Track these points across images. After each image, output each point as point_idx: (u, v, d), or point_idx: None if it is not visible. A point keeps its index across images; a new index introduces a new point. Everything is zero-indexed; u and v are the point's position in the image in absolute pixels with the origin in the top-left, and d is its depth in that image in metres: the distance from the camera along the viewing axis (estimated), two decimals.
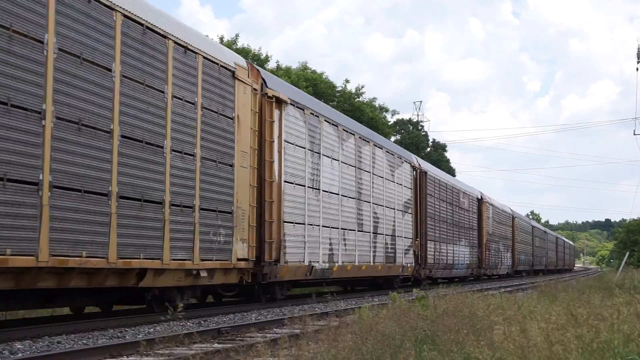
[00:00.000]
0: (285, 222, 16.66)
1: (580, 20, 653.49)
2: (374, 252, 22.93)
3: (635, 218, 77.78)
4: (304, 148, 18.00)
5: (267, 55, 43.74)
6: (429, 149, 73.03)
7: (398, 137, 69.73)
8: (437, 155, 71.37)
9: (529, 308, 10.36)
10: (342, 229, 20.20)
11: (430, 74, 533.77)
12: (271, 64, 44.30)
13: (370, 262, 22.57)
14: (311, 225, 18.17)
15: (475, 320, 8.86)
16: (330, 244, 19.41)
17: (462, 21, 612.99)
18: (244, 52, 39.82)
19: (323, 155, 19.09)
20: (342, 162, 20.49)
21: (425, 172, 29.18)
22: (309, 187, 18.17)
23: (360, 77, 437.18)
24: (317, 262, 18.40)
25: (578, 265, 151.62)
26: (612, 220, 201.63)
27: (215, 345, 9.34)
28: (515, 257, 48.70)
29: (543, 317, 8.12)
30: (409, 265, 26.36)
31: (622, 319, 7.20)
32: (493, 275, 42.72)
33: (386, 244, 24.11)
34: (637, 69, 48.76)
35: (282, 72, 42.56)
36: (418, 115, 79.52)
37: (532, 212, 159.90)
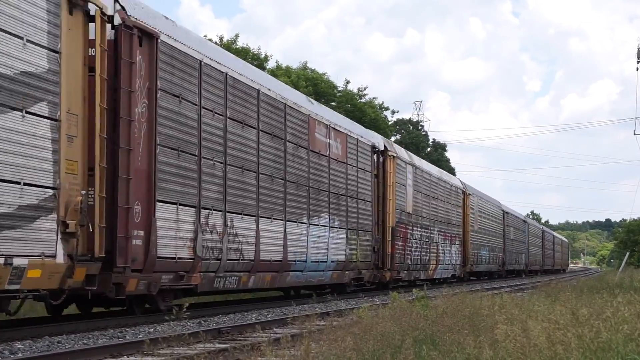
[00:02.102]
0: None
1: (580, 20, 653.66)
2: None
3: (636, 218, 77.87)
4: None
5: (266, 55, 43.75)
6: (429, 149, 73.03)
7: (398, 137, 69.77)
8: (437, 155, 71.36)
9: (530, 308, 10.36)
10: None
11: (430, 73, 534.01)
12: (271, 64, 44.34)
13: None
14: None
15: (476, 320, 8.86)
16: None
17: (462, 21, 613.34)
18: (243, 52, 39.79)
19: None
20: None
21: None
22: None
23: (360, 77, 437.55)
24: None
25: (578, 265, 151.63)
26: (613, 220, 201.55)
27: (217, 345, 9.34)
28: (466, 253, 35.60)
29: (546, 317, 8.12)
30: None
31: (623, 319, 7.20)
32: (417, 280, 28.06)
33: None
34: (637, 69, 48.68)
35: (282, 72, 42.55)
36: (418, 115, 79.63)
37: (532, 212, 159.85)
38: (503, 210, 47.72)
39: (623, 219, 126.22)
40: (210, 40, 34.88)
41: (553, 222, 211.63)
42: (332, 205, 19.58)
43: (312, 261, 18.25)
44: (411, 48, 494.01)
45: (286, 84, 25.50)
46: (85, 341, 9.80)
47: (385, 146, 24.28)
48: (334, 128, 20.20)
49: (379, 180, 23.15)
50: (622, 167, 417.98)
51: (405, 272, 25.89)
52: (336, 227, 19.83)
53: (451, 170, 67.67)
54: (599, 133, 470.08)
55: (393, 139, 60.75)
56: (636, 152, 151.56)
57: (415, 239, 26.99)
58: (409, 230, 26.19)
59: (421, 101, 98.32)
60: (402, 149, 28.34)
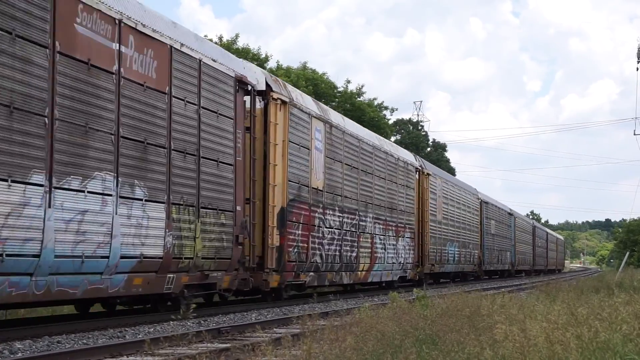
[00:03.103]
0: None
1: (580, 20, 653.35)
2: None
3: (636, 218, 77.81)
4: None
5: (266, 55, 43.75)
6: (429, 149, 73.03)
7: (398, 137, 69.80)
8: (437, 155, 71.33)
9: (530, 307, 10.37)
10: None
11: (430, 73, 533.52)
12: (271, 64, 44.34)
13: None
14: None
15: (476, 320, 8.87)
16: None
17: (462, 21, 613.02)
18: (243, 52, 39.80)
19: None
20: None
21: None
22: None
23: (360, 76, 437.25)
24: None
25: (578, 265, 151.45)
26: (612, 220, 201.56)
27: (217, 344, 9.35)
28: (424, 249, 27.69)
29: (545, 317, 8.13)
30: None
31: (622, 319, 7.21)
32: (338, 285, 21.93)
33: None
34: (637, 69, 48.68)
35: (283, 72, 42.55)
36: (418, 115, 79.60)
37: (532, 212, 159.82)
38: (481, 200, 39.01)
39: (623, 218, 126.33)
40: (211, 40, 34.84)
41: (553, 222, 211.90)
42: (126, 160, 11.35)
43: (57, 257, 9.77)
44: (411, 48, 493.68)
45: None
46: (85, 341, 9.80)
47: (269, 84, 16.45)
48: (133, 28, 11.59)
49: (254, 135, 15.64)
50: (622, 167, 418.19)
51: (311, 274, 18.34)
52: (137, 199, 11.62)
53: (451, 170, 67.68)
54: (599, 133, 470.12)
55: (393, 139, 60.75)
56: (636, 152, 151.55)
57: (330, 227, 19.57)
58: (316, 214, 18.66)
59: (421, 101, 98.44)
60: (310, 98, 20.32)
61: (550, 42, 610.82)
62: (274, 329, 11.60)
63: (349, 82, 53.84)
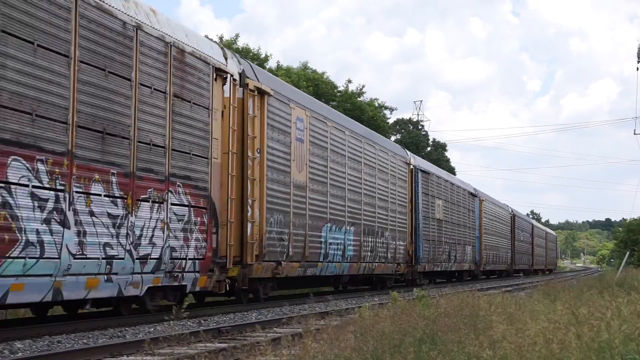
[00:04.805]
0: None
1: (580, 20, 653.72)
2: None
3: (636, 217, 77.74)
4: None
5: (266, 55, 43.74)
6: (429, 149, 73.03)
7: (398, 136, 69.83)
8: (437, 154, 71.34)
9: (530, 307, 10.36)
10: None
11: (430, 73, 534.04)
12: (271, 63, 44.32)
13: None
14: None
15: (476, 320, 8.85)
16: None
17: (462, 21, 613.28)
18: (243, 52, 39.79)
19: None
20: None
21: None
22: None
23: (360, 76, 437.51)
24: None
25: (578, 265, 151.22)
26: (613, 220, 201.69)
27: (217, 344, 9.33)
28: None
29: (547, 316, 8.12)
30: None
31: (623, 319, 7.20)
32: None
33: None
34: (638, 69, 48.71)
35: (283, 72, 42.55)
36: (418, 114, 79.59)
37: (532, 212, 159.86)
38: (410, 165, 26.37)
39: (623, 218, 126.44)
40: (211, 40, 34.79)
41: (553, 221, 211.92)
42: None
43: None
44: (411, 48, 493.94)
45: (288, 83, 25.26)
46: (85, 341, 9.79)
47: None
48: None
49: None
50: (623, 166, 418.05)
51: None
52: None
53: (451, 170, 67.65)
54: (599, 133, 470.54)
55: (393, 138, 60.76)
56: (636, 152, 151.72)
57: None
58: None
59: (421, 101, 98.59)
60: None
61: (550, 41, 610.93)
62: (274, 329, 11.59)
63: (349, 81, 53.96)
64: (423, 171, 27.62)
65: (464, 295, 12.33)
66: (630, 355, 6.15)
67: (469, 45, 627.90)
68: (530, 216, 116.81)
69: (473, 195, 36.39)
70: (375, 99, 55.92)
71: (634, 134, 50.48)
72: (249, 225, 15.21)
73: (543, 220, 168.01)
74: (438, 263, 29.31)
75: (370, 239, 22.71)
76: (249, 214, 15.26)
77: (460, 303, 10.65)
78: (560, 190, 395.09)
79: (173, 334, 8.94)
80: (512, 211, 50.09)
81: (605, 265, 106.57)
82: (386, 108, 58.40)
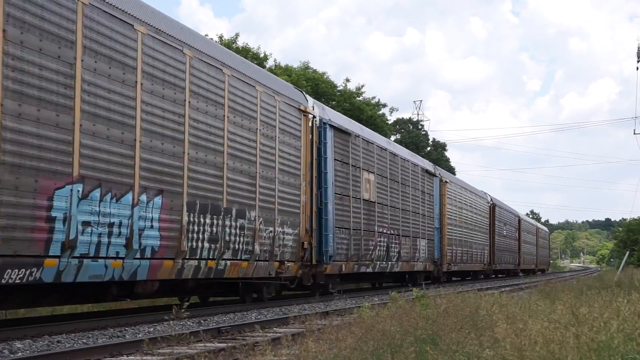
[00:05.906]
0: None
1: (580, 20, 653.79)
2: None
3: (636, 217, 77.83)
4: None
5: (265, 54, 43.73)
6: (429, 148, 73.03)
7: (398, 136, 69.81)
8: (437, 154, 71.34)
9: (530, 307, 10.36)
10: None
11: (430, 73, 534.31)
12: (270, 63, 44.31)
13: None
14: None
15: (476, 320, 8.85)
16: None
17: (462, 20, 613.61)
18: (243, 52, 39.79)
19: None
20: None
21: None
22: None
23: (360, 76, 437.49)
24: None
25: (577, 264, 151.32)
26: (612, 220, 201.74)
27: (217, 344, 9.33)
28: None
29: (547, 316, 8.12)
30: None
31: (623, 318, 7.20)
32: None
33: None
34: (637, 68, 48.78)
35: (282, 72, 42.55)
36: (418, 114, 79.57)
37: (532, 212, 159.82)
38: (309, 115, 17.96)
39: (623, 218, 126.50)
40: (211, 39, 34.82)
41: (553, 221, 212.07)
42: None
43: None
44: (411, 47, 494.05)
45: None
46: (85, 340, 9.79)
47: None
48: None
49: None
50: (622, 166, 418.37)
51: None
52: None
53: (451, 170, 67.68)
54: (598, 132, 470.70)
55: (393, 138, 60.75)
56: (636, 151, 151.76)
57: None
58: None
59: (421, 101, 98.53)
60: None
61: (550, 41, 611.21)
62: (274, 329, 11.59)
63: (348, 80, 53.97)
64: (336, 128, 19.49)
65: (463, 296, 12.32)
66: (630, 355, 6.15)
67: (468, 45, 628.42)
68: (530, 216, 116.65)
69: (431, 174, 28.18)
70: (373, 97, 55.94)
71: (634, 133, 50.53)
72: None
73: (543, 220, 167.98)
74: (366, 262, 21.25)
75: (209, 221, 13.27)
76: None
77: (461, 303, 10.64)
78: (559, 190, 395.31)
79: (173, 333, 8.94)
80: (491, 200, 41.25)
81: (605, 265, 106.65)
82: (384, 106, 58.43)
